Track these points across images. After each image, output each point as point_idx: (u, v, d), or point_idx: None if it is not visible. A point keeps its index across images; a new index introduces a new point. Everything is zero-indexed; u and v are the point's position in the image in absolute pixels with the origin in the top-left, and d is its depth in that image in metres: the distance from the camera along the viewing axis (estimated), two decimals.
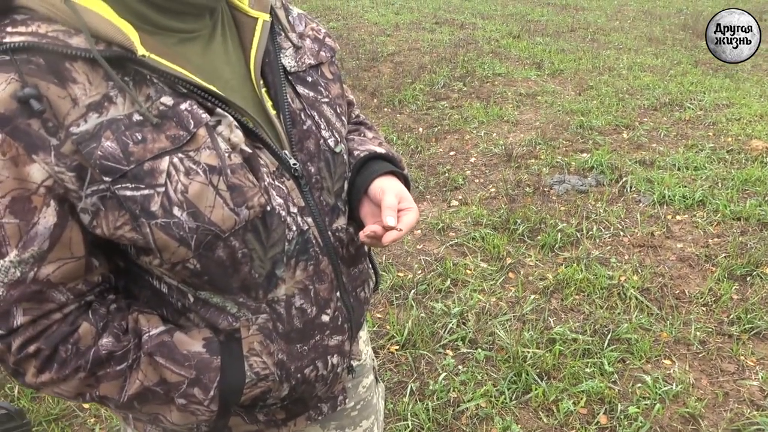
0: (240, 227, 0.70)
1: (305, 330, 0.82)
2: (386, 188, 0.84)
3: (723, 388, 2.18)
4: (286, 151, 0.77)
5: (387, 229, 0.78)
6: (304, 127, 0.79)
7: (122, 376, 0.72)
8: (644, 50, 6.83)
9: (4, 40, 0.60)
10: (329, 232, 0.82)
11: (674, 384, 2.17)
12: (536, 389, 2.13)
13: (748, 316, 2.50)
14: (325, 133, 0.82)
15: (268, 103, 0.77)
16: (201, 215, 0.67)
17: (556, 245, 3.05)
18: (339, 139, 0.84)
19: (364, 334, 1.11)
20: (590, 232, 3.17)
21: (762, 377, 2.21)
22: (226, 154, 0.69)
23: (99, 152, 0.62)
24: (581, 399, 2.10)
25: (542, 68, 6.08)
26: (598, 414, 2.06)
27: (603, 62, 6.29)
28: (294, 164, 0.77)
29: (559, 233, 3.13)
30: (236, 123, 0.71)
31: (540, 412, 2.07)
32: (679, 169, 3.87)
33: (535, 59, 6.37)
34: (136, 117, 0.64)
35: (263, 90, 0.77)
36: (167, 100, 0.66)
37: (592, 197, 3.55)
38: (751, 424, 2.00)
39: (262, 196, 0.72)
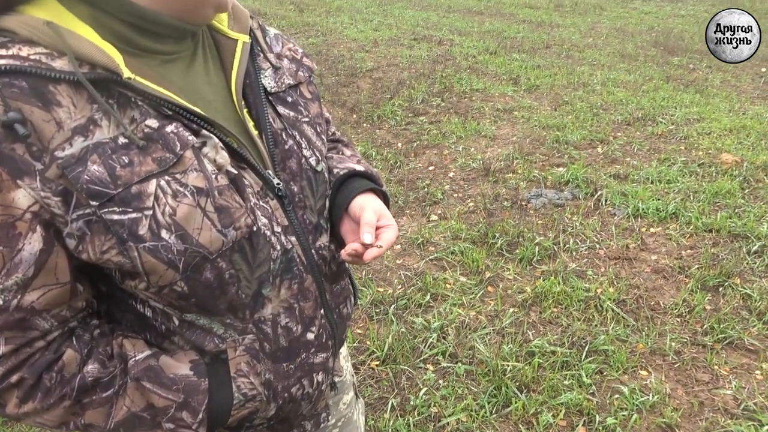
0: (227, 248, 0.70)
1: (291, 348, 0.82)
2: (365, 205, 0.85)
3: (698, 397, 2.22)
4: (270, 171, 0.78)
5: (366, 246, 0.79)
6: (286, 147, 0.80)
7: (108, 403, 0.71)
8: (617, 66, 6.99)
9: None
10: (312, 250, 0.83)
11: (651, 394, 2.21)
12: (516, 402, 2.14)
13: (721, 326, 2.55)
14: (307, 152, 0.82)
15: (250, 124, 0.78)
16: (189, 237, 0.66)
17: (534, 258, 3.09)
18: (320, 158, 0.85)
19: (344, 350, 1.13)
20: (567, 245, 3.22)
21: (735, 386, 2.25)
22: (213, 176, 0.69)
23: (86, 176, 0.61)
24: (560, 411, 2.12)
25: (519, 84, 6.18)
26: (577, 426, 2.08)
27: (578, 78, 6.41)
28: (278, 184, 0.77)
29: (537, 247, 3.17)
30: (221, 144, 0.71)
31: (520, 426, 2.09)
32: (652, 183, 3.96)
33: (511, 75, 6.48)
34: (122, 140, 0.63)
35: (245, 111, 0.78)
36: (152, 122, 0.66)
37: (569, 211, 3.61)
38: None
39: (249, 216, 0.72)
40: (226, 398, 0.77)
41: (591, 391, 2.23)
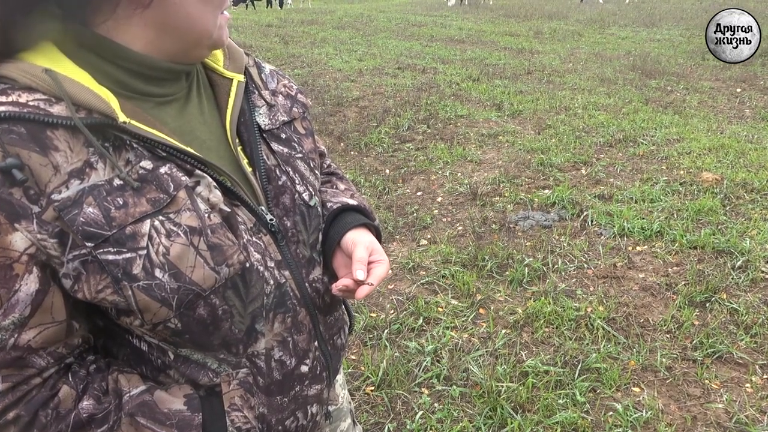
0: (220, 285, 0.71)
1: (285, 382, 0.83)
2: (357, 241, 0.87)
3: (691, 412, 2.24)
4: (263, 207, 0.79)
5: (358, 283, 0.81)
6: (280, 183, 0.82)
7: None
8: (597, 90, 7.16)
9: None
10: (306, 284, 0.84)
11: (644, 411, 2.23)
12: (512, 423, 2.15)
13: (710, 341, 2.59)
14: (300, 188, 0.85)
15: (244, 161, 0.80)
16: (182, 275, 0.68)
17: (524, 280, 3.13)
18: (313, 193, 0.87)
19: (340, 378, 1.14)
20: (556, 266, 3.26)
21: (726, 399, 2.28)
22: (206, 215, 0.71)
23: (81, 218, 0.63)
24: (556, 430, 2.13)
25: (502, 109, 6.31)
26: None
27: (559, 102, 6.56)
28: (270, 219, 0.79)
29: (527, 268, 3.21)
30: (215, 183, 0.73)
31: None
32: (636, 202, 4.03)
33: (494, 101, 6.61)
34: (117, 182, 0.65)
35: (239, 148, 0.81)
36: (147, 164, 0.68)
37: (556, 232, 3.66)
38: None
39: (242, 253, 0.73)
40: None
41: (585, 409, 2.25)
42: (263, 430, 0.82)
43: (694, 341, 2.62)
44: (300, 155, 0.87)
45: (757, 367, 2.47)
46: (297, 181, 0.84)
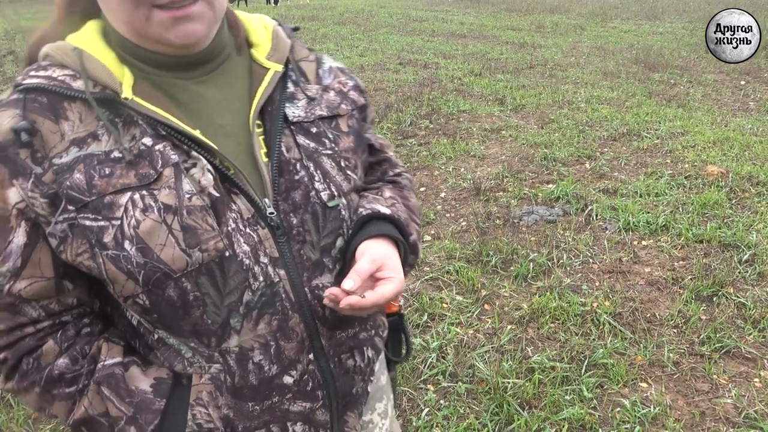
0: (193, 269, 0.70)
1: (260, 389, 0.79)
2: (368, 251, 0.79)
3: (699, 407, 2.22)
4: (266, 200, 0.76)
5: (346, 292, 0.73)
6: (296, 178, 0.78)
7: (71, 399, 0.75)
8: (600, 84, 7.12)
9: (23, 81, 0.71)
10: (306, 288, 0.78)
11: (652, 406, 2.21)
12: (518, 419, 2.14)
13: (717, 336, 2.57)
14: (319, 186, 0.80)
15: (262, 150, 0.78)
16: (150, 252, 0.69)
17: (529, 275, 3.11)
18: (336, 194, 0.81)
19: (381, 406, 1.04)
20: (561, 261, 3.24)
21: (735, 395, 2.26)
22: (187, 196, 0.70)
23: (68, 182, 0.68)
24: (563, 427, 2.12)
25: (505, 104, 6.28)
26: None
27: (562, 96, 6.52)
28: (270, 213, 0.76)
29: (531, 263, 3.19)
30: (210, 166, 0.72)
31: None
32: (641, 196, 4.01)
33: (497, 95, 6.57)
34: (115, 154, 0.70)
35: (260, 138, 0.79)
36: (147, 140, 0.71)
37: (561, 227, 3.64)
38: None
39: (221, 241, 0.71)
40: (178, 424, 0.76)
41: (592, 405, 2.23)
42: None
43: (702, 336, 2.59)
44: (329, 152, 0.82)
45: (765, 361, 2.44)
46: (317, 179, 0.80)
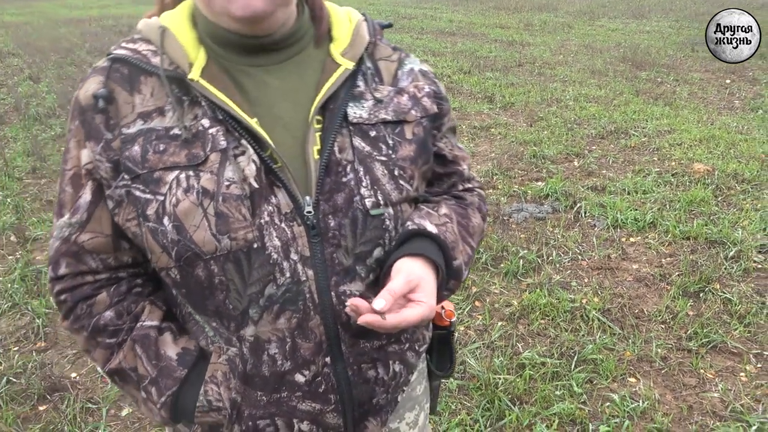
0: (221, 255, 0.73)
1: (270, 380, 0.80)
2: (403, 270, 0.75)
3: (687, 401, 2.25)
4: (308, 198, 0.75)
5: (373, 311, 0.69)
6: (343, 180, 0.77)
7: (110, 350, 0.81)
8: (588, 82, 7.17)
9: (114, 51, 0.77)
10: (332, 292, 0.77)
11: (641, 401, 2.24)
12: (510, 415, 2.15)
13: (704, 331, 2.61)
14: (365, 192, 0.77)
15: (315, 147, 0.77)
16: (184, 231, 0.72)
17: (519, 272, 3.13)
18: (382, 202, 0.78)
19: (410, 416, 1.02)
20: (550, 258, 3.27)
21: (722, 389, 2.30)
22: (226, 183, 0.72)
23: (127, 153, 0.73)
24: (554, 422, 2.14)
25: (494, 102, 6.30)
26: None
27: (551, 94, 6.56)
28: (308, 212, 0.75)
29: (521, 260, 3.21)
30: (256, 157, 0.73)
31: None
32: (629, 194, 4.05)
33: (486, 93, 6.60)
34: (175, 131, 0.73)
35: (317, 134, 0.77)
36: (206, 122, 0.74)
37: (550, 224, 3.66)
38: None
39: (251, 232, 0.72)
40: (192, 396, 0.80)
41: (582, 400, 2.25)
42: (233, 416, 0.81)
43: (689, 331, 2.63)
44: (383, 158, 0.79)
45: (751, 356, 2.48)
46: (364, 184, 0.77)
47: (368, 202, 0.77)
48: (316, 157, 0.76)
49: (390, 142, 0.81)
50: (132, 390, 0.83)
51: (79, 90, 0.77)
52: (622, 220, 3.64)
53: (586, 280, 3.07)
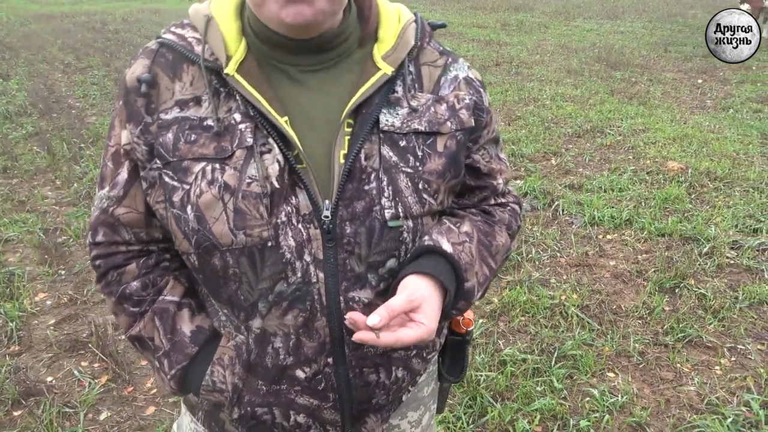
0: (236, 248, 0.74)
1: (272, 372, 0.82)
2: (408, 288, 0.75)
3: (664, 395, 2.30)
4: (327, 201, 0.75)
5: (367, 327, 0.69)
6: (365, 188, 0.76)
7: (132, 317, 0.85)
8: (564, 81, 7.25)
9: (162, 35, 0.79)
10: (341, 297, 0.77)
11: (620, 395, 2.27)
12: (492, 411, 2.17)
13: (680, 326, 2.66)
14: (385, 202, 0.77)
15: (342, 151, 0.76)
16: (204, 222, 0.74)
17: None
18: (401, 214, 0.78)
19: (414, 415, 1.02)
20: (530, 255, 3.30)
21: (698, 382, 2.35)
22: (248, 180, 0.73)
23: (160, 140, 0.76)
24: (535, 417, 2.16)
25: None
26: (552, 430, 2.12)
27: (528, 94, 6.62)
28: (325, 216, 0.75)
29: None
30: (281, 157, 0.73)
31: None
32: (605, 191, 4.11)
33: None
34: (208, 122, 0.75)
35: (346, 138, 0.76)
36: (237, 116, 0.75)
37: (529, 221, 3.70)
38: (693, 427, 2.12)
39: (266, 231, 0.73)
40: (199, 374, 0.84)
41: (563, 395, 2.28)
42: (233, 400, 0.84)
43: (665, 326, 2.68)
44: (409, 170, 0.78)
45: (725, 350, 2.54)
46: (386, 194, 0.76)
47: (387, 213, 0.77)
48: (342, 161, 0.75)
49: (419, 153, 0.79)
50: (149, 356, 0.87)
51: (127, 70, 0.80)
52: (599, 217, 3.69)
53: (564, 277, 3.11)
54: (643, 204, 3.90)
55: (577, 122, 5.59)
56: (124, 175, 0.81)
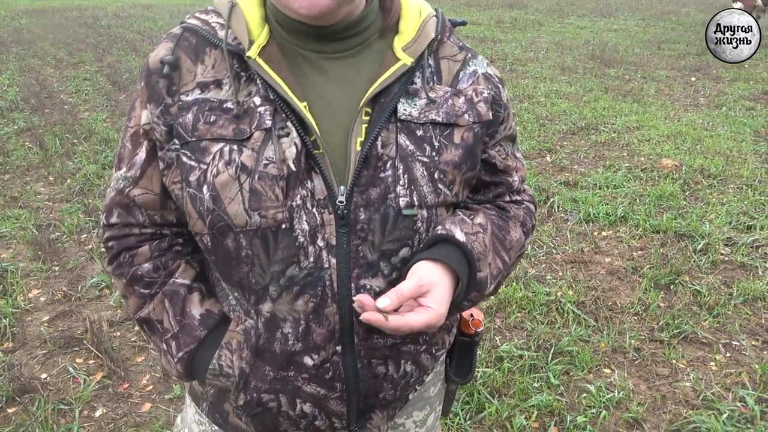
0: (250, 230, 0.75)
1: (279, 358, 0.81)
2: (418, 274, 0.75)
3: (660, 391, 2.31)
4: (342, 187, 0.76)
5: (377, 309, 0.70)
6: (380, 175, 0.76)
7: (142, 299, 0.86)
8: (558, 79, 7.26)
9: (187, 20, 0.81)
10: (352, 284, 0.77)
11: (616, 391, 2.28)
12: (489, 407, 2.17)
13: (676, 322, 2.67)
14: (400, 190, 0.77)
15: (359, 138, 0.76)
16: (220, 202, 0.75)
17: None
18: (416, 203, 0.78)
19: (419, 415, 1.02)
20: (525, 252, 3.30)
21: (693, 378, 2.36)
22: (264, 162, 0.74)
23: (181, 119, 0.76)
24: (532, 413, 2.16)
25: None
26: (549, 426, 2.12)
27: (523, 91, 6.63)
28: (340, 202, 0.75)
29: None
30: (298, 140, 0.74)
31: (495, 430, 2.11)
32: (600, 188, 4.12)
33: None
34: (228, 104, 0.76)
35: (364, 125, 0.77)
36: (257, 99, 0.75)
37: None
38: (689, 423, 2.13)
39: (281, 213, 0.74)
40: (207, 357, 0.84)
41: (560, 391, 2.29)
42: (239, 385, 0.83)
43: (661, 323, 2.69)
44: (425, 159, 0.78)
45: (720, 346, 2.56)
46: (401, 182, 0.77)
47: (402, 201, 0.77)
48: (358, 148, 0.76)
49: (436, 143, 0.79)
50: (156, 340, 0.87)
51: (150, 54, 0.81)
52: (594, 214, 3.70)
53: (560, 274, 3.12)
54: (637, 201, 3.92)
55: (572, 119, 5.60)
56: (142, 155, 0.82)
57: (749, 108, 6.08)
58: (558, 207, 3.83)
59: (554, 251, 3.34)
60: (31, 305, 2.83)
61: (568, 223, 3.67)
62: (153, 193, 0.83)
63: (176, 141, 0.77)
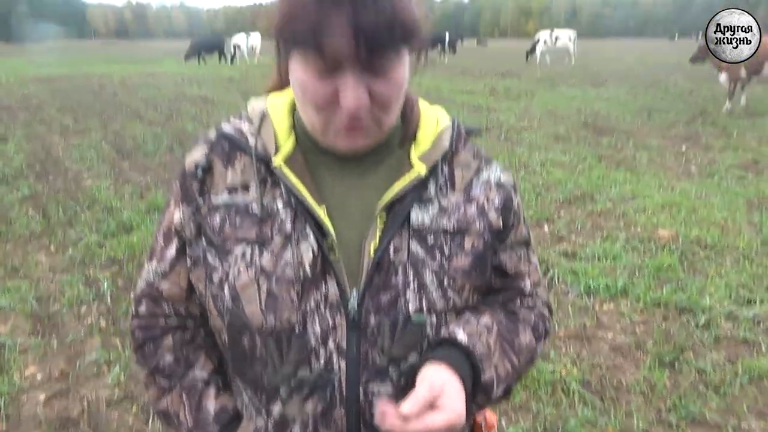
0: (265, 330, 0.77)
1: None
2: (426, 378, 0.74)
3: None
4: (355, 290, 0.78)
5: (400, 416, 0.68)
6: (391, 281, 0.78)
7: (162, 391, 0.88)
8: (553, 147, 7.45)
9: (222, 126, 0.86)
10: (360, 388, 0.78)
11: None
12: None
13: (682, 402, 2.64)
14: (410, 296, 0.79)
15: (373, 243, 0.79)
16: (239, 302, 0.78)
17: None
18: (425, 309, 0.80)
19: None
20: (537, 360, 3.28)
21: None
22: (284, 266, 0.77)
23: (208, 221, 0.81)
24: None
25: None
26: None
27: (518, 159, 6.78)
28: (351, 306, 0.77)
29: None
30: (315, 246, 0.77)
31: None
32: (599, 260, 4.15)
33: None
34: (253, 207, 0.80)
35: (378, 231, 0.79)
36: (280, 204, 0.80)
37: None
38: None
39: (294, 316, 0.76)
40: None
41: None
42: None
43: (668, 403, 2.66)
44: (435, 267, 0.80)
45: (729, 428, 2.51)
46: (411, 288, 0.79)
47: (411, 307, 0.79)
48: (372, 254, 0.78)
49: (446, 251, 0.81)
50: None
51: (187, 154, 0.87)
52: (594, 286, 3.71)
53: (563, 350, 3.10)
54: (637, 273, 3.94)
55: (568, 188, 5.70)
56: (172, 251, 0.86)
57: (740, 177, 6.22)
58: (558, 279, 3.84)
59: (557, 326, 3.32)
60: (27, 383, 2.78)
61: (569, 295, 3.67)
62: (179, 288, 0.87)
63: (203, 241, 0.81)
